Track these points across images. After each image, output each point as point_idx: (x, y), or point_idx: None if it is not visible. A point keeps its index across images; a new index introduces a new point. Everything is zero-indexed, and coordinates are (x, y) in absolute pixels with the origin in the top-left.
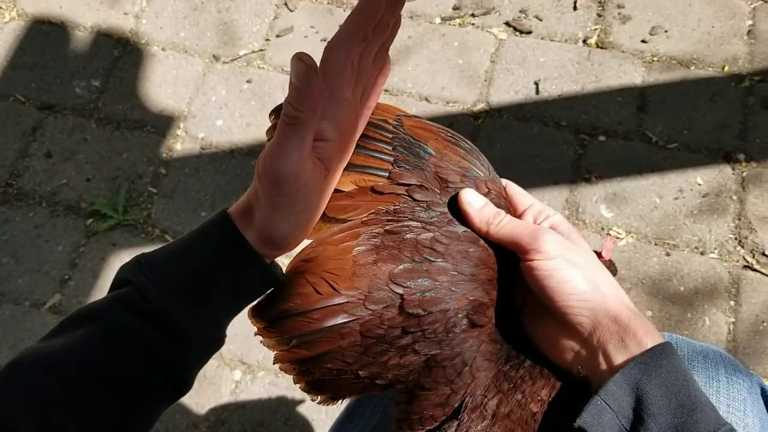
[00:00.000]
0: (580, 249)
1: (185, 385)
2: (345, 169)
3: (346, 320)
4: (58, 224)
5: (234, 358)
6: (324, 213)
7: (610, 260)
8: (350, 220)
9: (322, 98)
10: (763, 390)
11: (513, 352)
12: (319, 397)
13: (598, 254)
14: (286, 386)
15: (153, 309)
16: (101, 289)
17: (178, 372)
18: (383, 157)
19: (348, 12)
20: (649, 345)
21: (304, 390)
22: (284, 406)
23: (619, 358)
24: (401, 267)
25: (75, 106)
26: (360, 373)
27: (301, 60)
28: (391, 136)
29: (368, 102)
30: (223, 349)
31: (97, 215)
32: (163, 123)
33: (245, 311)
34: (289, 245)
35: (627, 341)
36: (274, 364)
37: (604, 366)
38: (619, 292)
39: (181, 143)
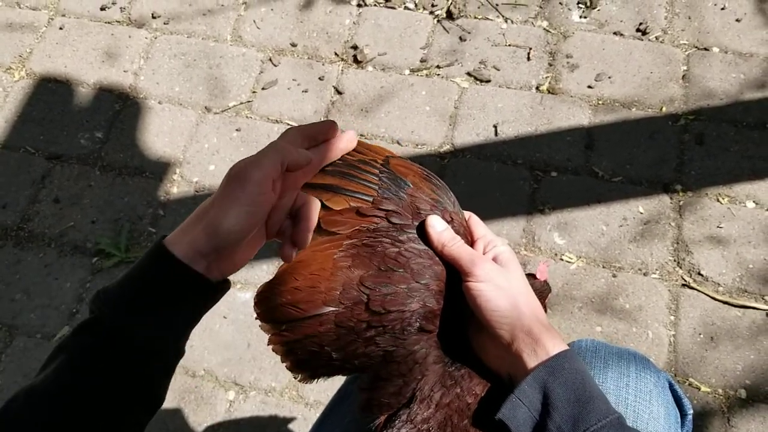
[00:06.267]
0: (512, 275)
1: (155, 398)
2: (338, 192)
3: (324, 311)
4: (66, 263)
5: (228, 380)
6: (319, 224)
7: (545, 281)
8: (339, 233)
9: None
10: (671, 385)
11: (457, 355)
12: (300, 374)
13: (534, 276)
14: (275, 405)
15: (106, 328)
16: None
17: (143, 382)
18: (371, 185)
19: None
20: (554, 352)
21: (289, 368)
22: (273, 422)
23: (531, 363)
24: (369, 273)
25: (80, 155)
26: (333, 355)
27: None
28: (378, 170)
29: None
30: (218, 372)
31: (102, 254)
32: (161, 169)
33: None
34: (229, 246)
35: (538, 350)
36: (268, 345)
37: (520, 370)
38: (536, 311)
39: (177, 187)
